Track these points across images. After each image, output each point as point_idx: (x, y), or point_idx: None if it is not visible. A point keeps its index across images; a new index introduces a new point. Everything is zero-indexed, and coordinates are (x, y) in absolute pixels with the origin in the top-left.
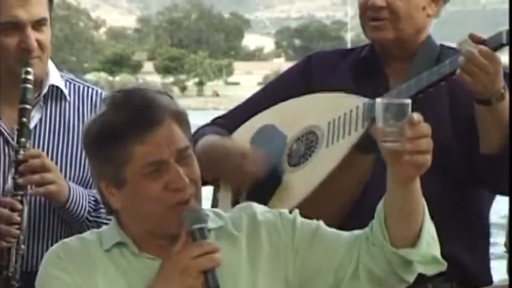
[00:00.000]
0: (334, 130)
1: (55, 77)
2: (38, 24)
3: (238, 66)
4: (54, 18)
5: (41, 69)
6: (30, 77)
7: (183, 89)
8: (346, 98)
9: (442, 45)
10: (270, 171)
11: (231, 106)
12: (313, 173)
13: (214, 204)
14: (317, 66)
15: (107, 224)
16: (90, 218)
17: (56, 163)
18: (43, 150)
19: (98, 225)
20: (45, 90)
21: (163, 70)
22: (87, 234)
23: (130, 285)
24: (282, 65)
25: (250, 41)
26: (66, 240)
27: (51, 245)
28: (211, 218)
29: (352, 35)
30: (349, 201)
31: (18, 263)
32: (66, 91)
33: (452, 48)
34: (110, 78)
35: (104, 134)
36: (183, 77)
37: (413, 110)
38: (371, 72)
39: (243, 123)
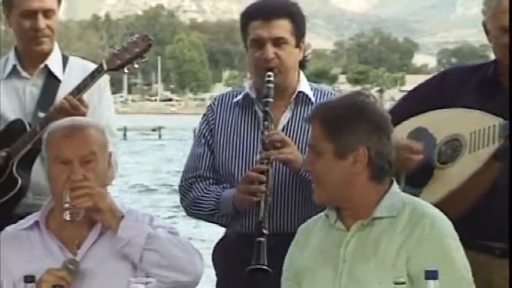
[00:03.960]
0: (475, 140)
1: (304, 85)
2: (277, 42)
3: (409, 78)
4: None
5: (281, 78)
6: (270, 78)
7: None
8: (484, 116)
9: None
10: (425, 164)
11: None
12: (460, 172)
13: None
14: (449, 82)
15: None
16: None
17: (300, 148)
18: (292, 140)
19: None
20: (294, 96)
21: (353, 81)
22: None
23: None
24: None
25: (418, 59)
26: None
27: (295, 208)
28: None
29: None
30: (480, 197)
31: (267, 212)
32: (313, 97)
33: None
34: None
35: None
36: (367, 86)
37: None
38: (496, 90)
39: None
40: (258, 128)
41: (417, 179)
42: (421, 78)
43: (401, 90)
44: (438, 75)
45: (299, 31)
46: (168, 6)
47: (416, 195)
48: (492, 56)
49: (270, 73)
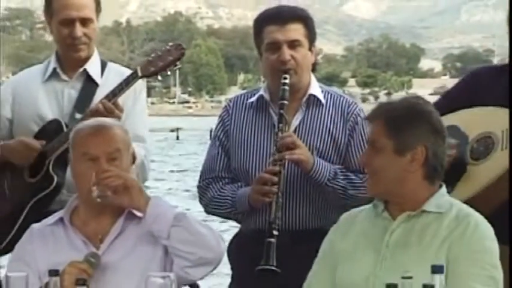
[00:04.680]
0: (507, 137)
1: (315, 88)
2: (293, 45)
3: (416, 82)
4: None
5: (296, 79)
6: (286, 81)
7: (376, 97)
8: None
9: None
10: (458, 160)
11: None
12: (493, 168)
13: None
14: (478, 82)
15: (340, 189)
16: (329, 184)
17: (311, 149)
18: (303, 143)
19: (334, 189)
20: (305, 98)
21: (363, 84)
22: None
23: None
24: (447, 80)
25: (425, 64)
26: None
27: (306, 206)
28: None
29: (498, 59)
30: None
31: (278, 213)
32: (323, 99)
33: None
34: None
35: None
36: (376, 89)
37: None
38: None
39: None
40: (272, 129)
41: (451, 175)
42: (427, 82)
43: (408, 93)
44: (466, 76)
45: (311, 34)
46: (186, 13)
47: (450, 190)
48: (495, 61)
49: (286, 75)
